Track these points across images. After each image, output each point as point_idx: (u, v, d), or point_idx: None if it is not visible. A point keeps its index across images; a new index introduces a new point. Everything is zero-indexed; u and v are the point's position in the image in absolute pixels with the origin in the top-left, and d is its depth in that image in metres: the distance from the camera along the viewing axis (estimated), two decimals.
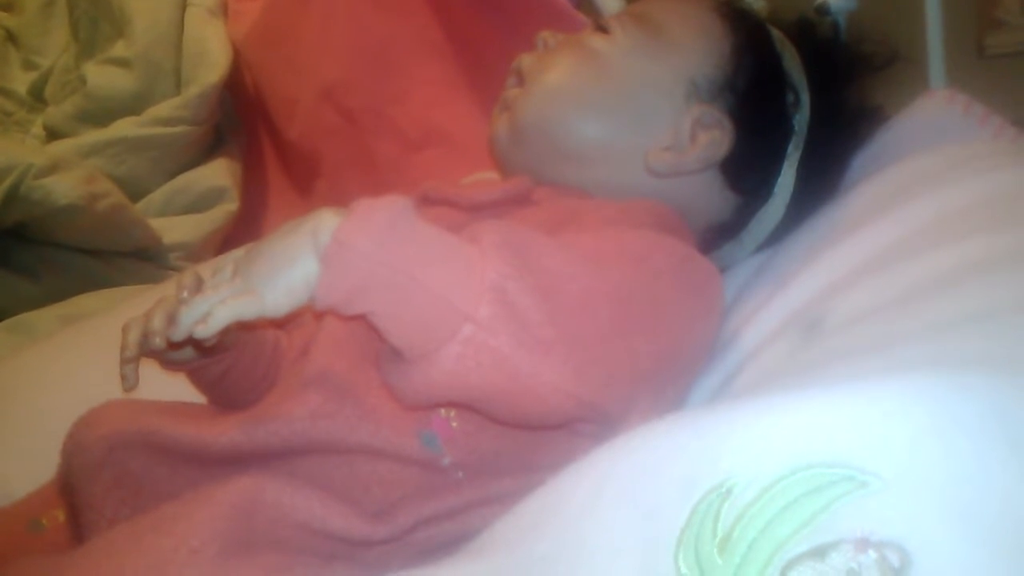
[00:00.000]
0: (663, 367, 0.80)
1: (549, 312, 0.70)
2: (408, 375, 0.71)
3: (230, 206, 1.63)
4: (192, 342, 0.81)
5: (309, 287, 0.70)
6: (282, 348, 0.90)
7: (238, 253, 0.78)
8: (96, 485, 0.77)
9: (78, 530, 0.78)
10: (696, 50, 0.98)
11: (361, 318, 0.71)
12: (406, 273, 0.68)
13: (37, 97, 1.74)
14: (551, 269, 0.73)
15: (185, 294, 0.78)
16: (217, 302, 0.70)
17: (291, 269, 0.70)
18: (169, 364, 0.86)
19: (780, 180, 0.99)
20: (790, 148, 0.99)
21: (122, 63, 1.63)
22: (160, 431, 0.77)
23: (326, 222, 0.70)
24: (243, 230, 1.64)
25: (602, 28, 1.01)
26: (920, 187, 0.91)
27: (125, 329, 0.83)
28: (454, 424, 0.77)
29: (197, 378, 0.88)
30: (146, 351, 0.82)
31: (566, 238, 0.82)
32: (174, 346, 0.81)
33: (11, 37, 1.79)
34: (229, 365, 0.87)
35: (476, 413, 0.77)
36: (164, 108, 1.60)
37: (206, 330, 0.69)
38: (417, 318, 0.69)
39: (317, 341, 0.82)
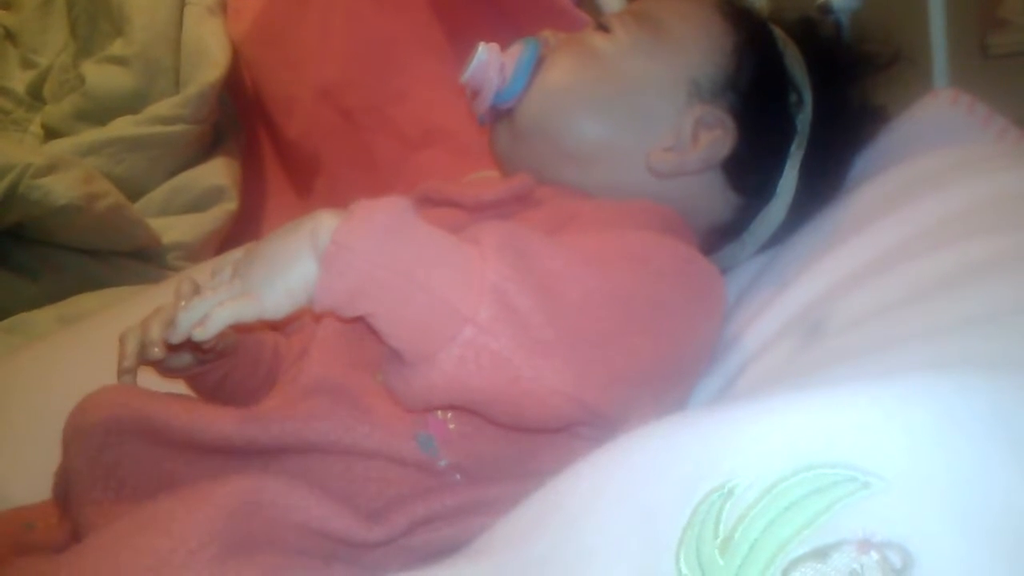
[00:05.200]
0: (664, 369, 0.80)
1: (550, 314, 0.70)
2: (408, 378, 0.71)
3: (229, 205, 1.63)
4: (191, 347, 0.81)
5: (308, 289, 0.70)
6: (281, 353, 0.90)
7: (237, 254, 0.77)
8: (97, 468, 0.76)
9: (74, 520, 0.78)
10: (698, 49, 0.98)
11: (360, 320, 0.71)
12: (406, 275, 0.68)
13: (35, 96, 1.74)
14: (552, 271, 0.72)
15: (183, 303, 0.77)
16: (215, 304, 0.70)
17: (290, 271, 0.70)
18: (168, 371, 0.86)
19: (782, 180, 0.99)
20: (792, 148, 0.98)
21: (121, 61, 1.63)
22: (153, 416, 0.76)
23: (325, 223, 0.70)
24: (242, 229, 1.64)
25: (603, 27, 1.01)
26: (922, 188, 0.91)
27: (122, 339, 0.82)
28: (451, 426, 0.77)
29: (196, 385, 0.88)
30: (144, 361, 0.82)
31: (567, 239, 0.82)
32: (173, 350, 0.81)
33: (9, 35, 1.79)
34: (228, 371, 0.87)
35: (474, 415, 0.77)
36: (163, 107, 1.60)
37: (204, 332, 0.69)
38: (417, 320, 0.69)
39: (315, 342, 0.82)
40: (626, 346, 0.75)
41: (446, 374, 0.69)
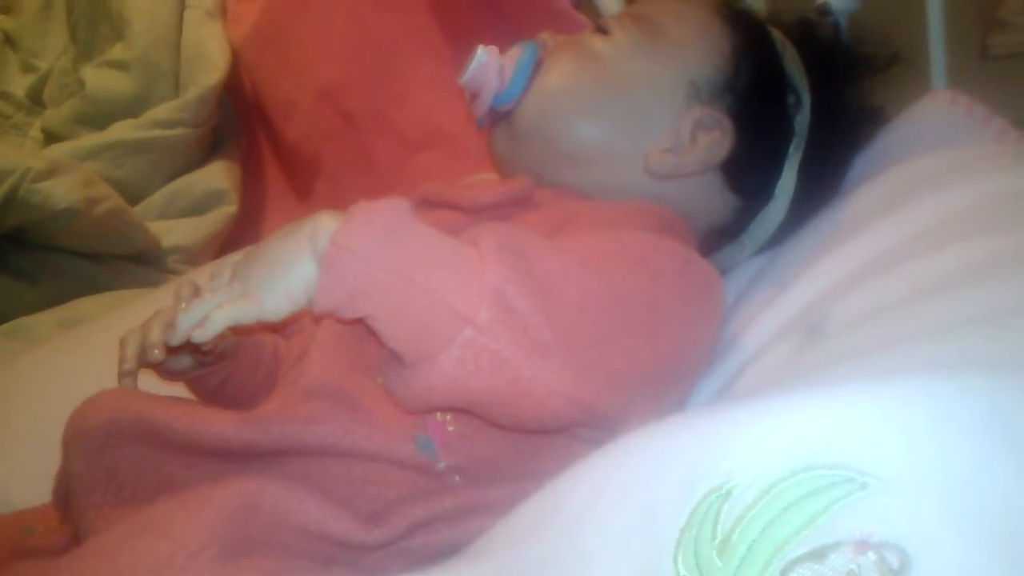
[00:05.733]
0: (663, 370, 0.80)
1: (548, 315, 0.70)
2: (408, 379, 0.71)
3: (229, 209, 1.63)
4: (190, 349, 0.81)
5: (308, 291, 0.70)
6: (281, 355, 0.90)
7: (236, 257, 0.77)
8: (97, 472, 0.76)
9: (74, 524, 0.78)
10: (696, 51, 0.98)
11: (360, 322, 0.71)
12: (405, 276, 0.68)
13: (35, 100, 1.74)
14: (551, 272, 0.73)
15: (183, 305, 0.77)
16: (215, 306, 0.70)
17: (289, 273, 0.70)
18: (168, 374, 0.86)
19: (781, 181, 0.99)
20: (791, 149, 0.98)
21: (120, 66, 1.63)
22: (153, 419, 0.76)
23: (324, 225, 0.70)
24: (242, 233, 1.64)
25: (602, 29, 1.01)
26: (921, 189, 0.91)
27: (122, 342, 0.82)
28: (450, 428, 0.77)
29: (196, 388, 0.88)
30: (144, 363, 0.82)
31: (566, 241, 0.82)
32: (173, 352, 0.81)
33: (9, 39, 1.79)
34: (228, 374, 0.87)
35: (473, 417, 0.77)
36: (162, 111, 1.60)
37: (204, 334, 0.70)
38: (416, 321, 0.69)
39: (314, 345, 0.82)
40: (624, 347, 0.75)
41: (445, 375, 0.69)
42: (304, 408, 0.76)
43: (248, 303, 0.71)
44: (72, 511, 0.78)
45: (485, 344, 0.68)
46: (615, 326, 0.75)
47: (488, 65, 0.97)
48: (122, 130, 1.59)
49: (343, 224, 0.69)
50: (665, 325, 0.80)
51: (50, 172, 1.36)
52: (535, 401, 0.72)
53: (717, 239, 1.02)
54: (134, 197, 1.57)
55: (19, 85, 1.76)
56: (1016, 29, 1.43)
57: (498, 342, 0.68)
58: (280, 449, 0.75)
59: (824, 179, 1.01)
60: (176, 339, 0.72)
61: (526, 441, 0.78)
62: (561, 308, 0.71)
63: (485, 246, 0.71)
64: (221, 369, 0.87)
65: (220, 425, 0.75)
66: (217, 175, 1.65)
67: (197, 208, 1.62)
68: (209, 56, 1.63)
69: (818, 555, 0.49)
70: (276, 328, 0.90)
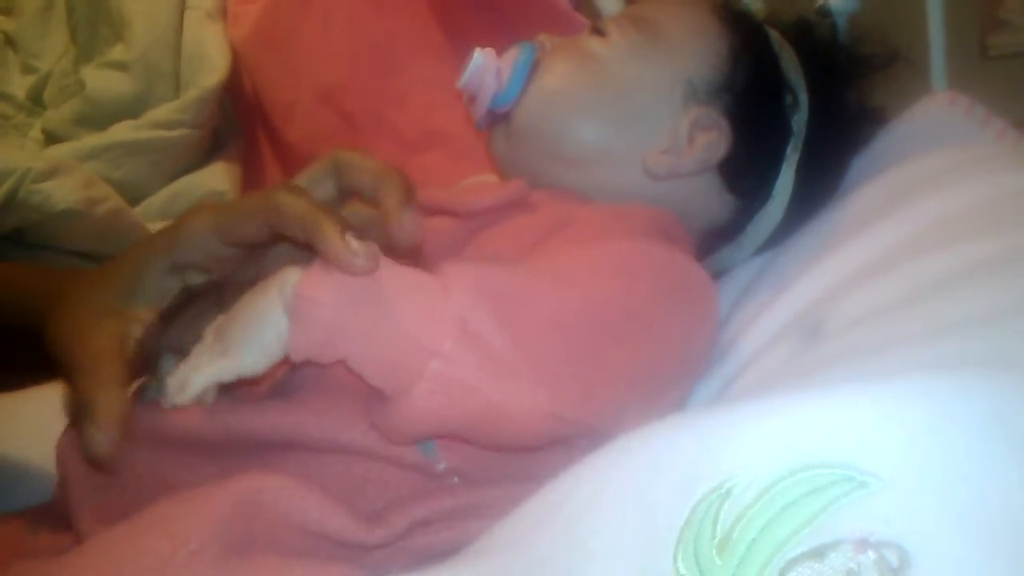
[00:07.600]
0: (650, 378, 0.80)
1: (513, 336, 0.70)
2: (387, 414, 0.72)
3: None
4: None
5: (282, 344, 0.70)
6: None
7: (220, 319, 0.78)
8: (96, 474, 0.76)
9: (76, 524, 0.78)
10: (693, 52, 0.98)
11: (342, 364, 0.71)
12: (370, 317, 0.68)
13: (35, 101, 1.74)
14: (514, 295, 0.73)
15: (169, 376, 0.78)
16: (191, 369, 0.72)
17: (263, 328, 0.71)
18: None
19: (779, 182, 0.99)
20: (789, 150, 0.99)
21: (121, 67, 1.63)
22: (154, 418, 0.76)
23: (290, 277, 0.70)
24: None
25: (599, 31, 1.02)
26: (921, 190, 0.91)
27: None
28: None
29: None
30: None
31: (538, 262, 0.82)
32: None
33: (9, 41, 1.79)
34: None
35: None
36: (163, 111, 1.60)
37: (183, 398, 0.72)
38: (387, 359, 0.69)
39: None
40: (602, 358, 0.75)
41: (419, 408, 0.69)
42: (304, 400, 0.76)
43: (226, 362, 0.71)
44: (73, 511, 0.78)
45: (452, 374, 0.68)
46: (589, 338, 0.75)
47: (485, 67, 0.98)
48: (122, 131, 1.59)
49: (305, 275, 0.69)
50: (646, 331, 0.79)
51: (50, 173, 1.36)
52: (512, 423, 0.72)
53: (715, 240, 1.02)
54: (134, 198, 1.57)
55: (19, 86, 1.76)
56: (1016, 29, 1.43)
57: (464, 370, 0.68)
58: (279, 442, 0.75)
59: (822, 180, 1.01)
60: (167, 405, 0.74)
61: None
62: (527, 328, 0.71)
63: (450, 277, 0.72)
64: None
65: (221, 415, 0.76)
66: (217, 176, 1.64)
67: None
68: (209, 57, 1.63)
69: (818, 554, 0.49)
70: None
